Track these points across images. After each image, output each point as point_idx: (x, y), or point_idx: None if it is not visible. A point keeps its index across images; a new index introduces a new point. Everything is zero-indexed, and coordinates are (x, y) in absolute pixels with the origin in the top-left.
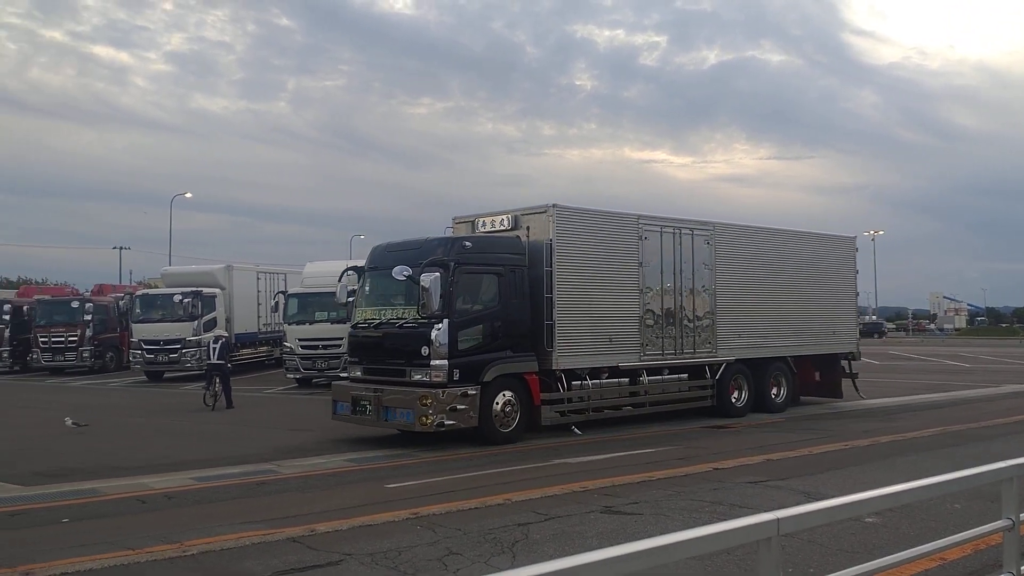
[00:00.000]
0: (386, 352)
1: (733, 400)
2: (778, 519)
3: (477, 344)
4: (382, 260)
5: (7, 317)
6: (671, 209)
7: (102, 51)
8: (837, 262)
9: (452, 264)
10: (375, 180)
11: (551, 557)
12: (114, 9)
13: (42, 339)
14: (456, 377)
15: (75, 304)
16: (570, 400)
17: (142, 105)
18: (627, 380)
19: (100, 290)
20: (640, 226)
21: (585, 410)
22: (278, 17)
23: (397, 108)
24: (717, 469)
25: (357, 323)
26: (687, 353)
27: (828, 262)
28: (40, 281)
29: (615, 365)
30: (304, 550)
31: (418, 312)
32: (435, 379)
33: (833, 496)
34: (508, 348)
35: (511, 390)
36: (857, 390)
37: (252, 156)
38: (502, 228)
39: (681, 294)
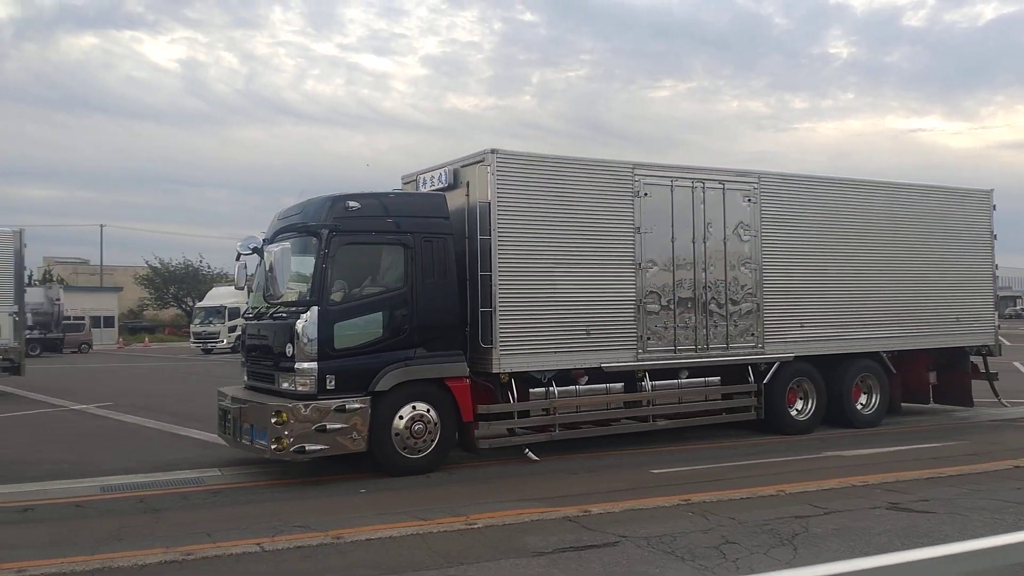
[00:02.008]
0: (260, 351)
1: (792, 411)
2: None
3: (368, 341)
4: (272, 231)
5: None
6: (945, 180)
7: (366, 60)
8: (964, 225)
9: (326, 232)
10: None
11: (837, 553)
12: (375, 20)
13: None
14: (331, 385)
15: None
16: (524, 414)
17: (402, 108)
18: (621, 386)
19: None
20: (637, 179)
21: (550, 427)
22: (522, 13)
23: (638, 93)
24: (1018, 467)
25: (245, 313)
26: (715, 349)
27: (950, 225)
28: None
29: (595, 366)
30: (580, 529)
31: (263, 298)
32: (300, 387)
33: None
34: (421, 345)
35: (426, 402)
36: (996, 394)
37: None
38: (440, 187)
39: (705, 269)
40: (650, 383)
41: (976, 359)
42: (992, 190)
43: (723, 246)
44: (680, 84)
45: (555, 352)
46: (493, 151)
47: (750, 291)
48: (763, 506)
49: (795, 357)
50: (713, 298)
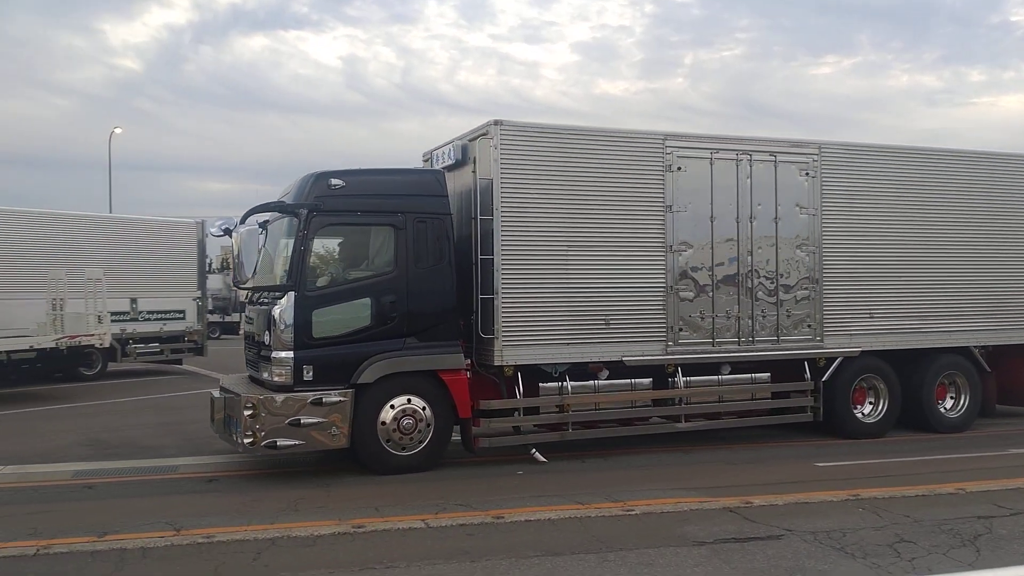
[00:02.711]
0: (249, 339)
1: (857, 413)
2: None
3: (353, 329)
4: (247, 212)
5: None
6: None
7: (517, 49)
8: None
9: (305, 212)
10: None
11: None
12: (526, 9)
13: None
14: (309, 376)
15: None
16: (534, 411)
17: (552, 96)
18: (649, 382)
19: None
20: (669, 151)
21: (563, 425)
22: None
23: (799, 71)
24: None
25: (247, 299)
26: (763, 342)
27: None
28: None
29: (616, 360)
30: (742, 521)
31: (232, 283)
32: (276, 377)
33: None
34: (412, 334)
35: (417, 396)
36: None
37: None
38: (449, 164)
39: (752, 252)
40: (683, 379)
41: None
42: None
43: (774, 225)
44: (844, 60)
45: (567, 344)
46: (496, 122)
47: (806, 277)
48: (940, 504)
49: (862, 352)
50: (761, 284)
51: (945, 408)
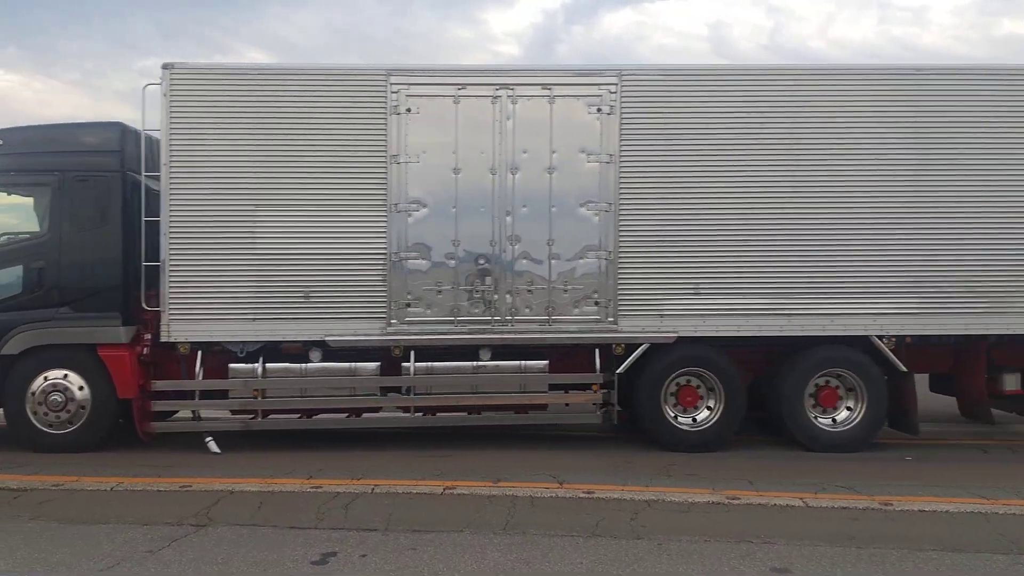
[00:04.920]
0: None
1: (669, 416)
2: None
3: (3, 297)
4: None
5: None
6: None
7: None
8: None
9: None
10: None
11: None
12: None
13: None
14: None
15: None
16: (211, 394)
17: (943, 42)
18: (375, 366)
19: None
20: (396, 89)
21: (252, 412)
22: None
23: None
24: None
25: None
26: (529, 321)
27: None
28: None
29: (320, 340)
30: None
31: None
32: None
33: None
34: (66, 304)
35: (77, 371)
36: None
37: None
38: None
39: (511, 212)
40: (417, 364)
41: None
42: None
43: (548, 177)
44: None
45: (252, 320)
46: (166, 65)
47: (594, 242)
48: None
49: (679, 339)
50: (525, 252)
51: (833, 419)
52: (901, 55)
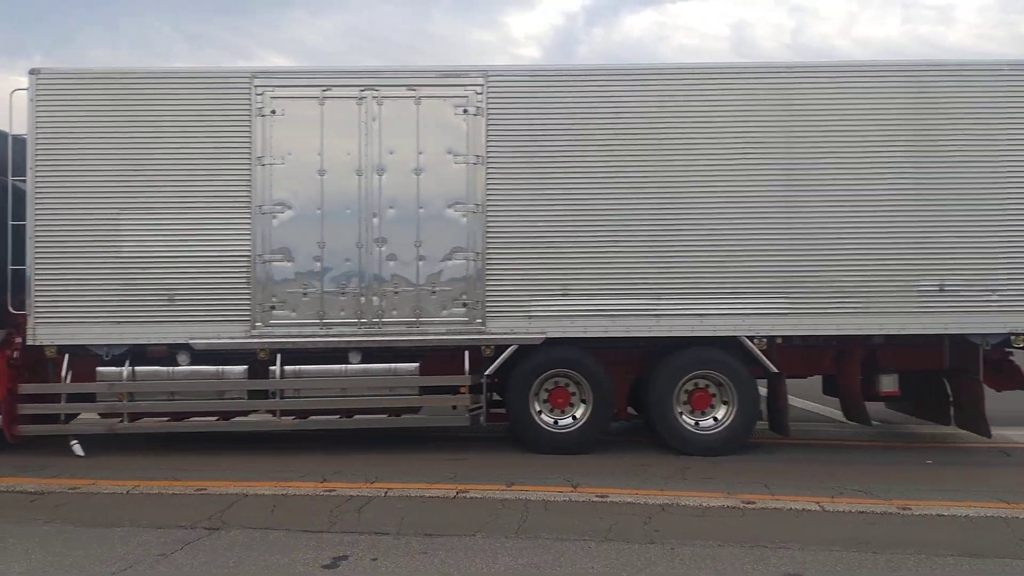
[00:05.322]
0: None
1: (536, 417)
2: None
3: None
4: None
5: None
6: None
7: None
8: (962, 127)
9: None
10: None
11: None
12: None
13: None
14: None
15: None
16: (82, 397)
17: (969, 40)
18: (243, 370)
19: None
20: (261, 92)
21: (117, 415)
22: None
23: None
24: None
25: None
26: (396, 324)
27: (930, 131)
28: None
29: (184, 343)
30: None
31: None
32: None
33: None
34: None
35: None
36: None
37: None
38: None
39: (378, 214)
40: (284, 368)
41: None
42: None
43: (415, 179)
44: None
45: (117, 323)
46: (33, 71)
47: (462, 244)
48: None
49: (547, 340)
50: (392, 254)
51: (706, 422)
52: (926, 53)
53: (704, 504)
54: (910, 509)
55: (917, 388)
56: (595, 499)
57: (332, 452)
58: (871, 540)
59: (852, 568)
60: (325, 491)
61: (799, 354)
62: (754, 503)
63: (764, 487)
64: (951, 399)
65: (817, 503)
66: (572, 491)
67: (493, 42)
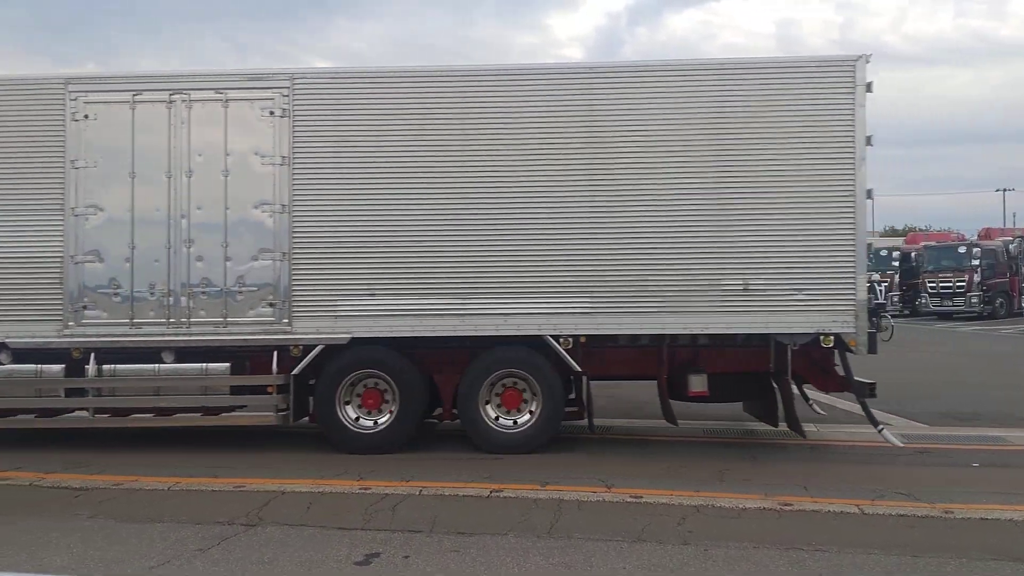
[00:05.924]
0: None
1: (343, 418)
2: None
3: None
4: None
5: (896, 264)
6: None
7: None
8: (786, 125)
9: None
10: None
11: None
12: None
13: (930, 284)
14: None
15: (962, 249)
16: None
17: (1022, 34)
18: (59, 369)
19: (987, 234)
20: (75, 97)
21: None
22: None
23: None
24: None
25: None
26: (204, 324)
27: (731, 130)
28: (924, 228)
29: (1, 341)
30: None
31: None
32: None
33: None
34: None
35: None
36: (872, 419)
37: None
38: None
39: (187, 216)
40: (97, 367)
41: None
42: (860, 58)
43: (223, 181)
44: None
45: None
46: None
47: (268, 245)
48: None
49: (352, 340)
50: (200, 255)
51: (507, 421)
52: (977, 48)
53: (740, 506)
54: (952, 513)
55: (745, 389)
56: (629, 500)
57: None
58: (911, 543)
59: (891, 572)
60: (360, 489)
61: (621, 354)
62: (791, 505)
63: (803, 489)
64: (778, 400)
65: (857, 505)
66: (606, 491)
67: (537, 44)
